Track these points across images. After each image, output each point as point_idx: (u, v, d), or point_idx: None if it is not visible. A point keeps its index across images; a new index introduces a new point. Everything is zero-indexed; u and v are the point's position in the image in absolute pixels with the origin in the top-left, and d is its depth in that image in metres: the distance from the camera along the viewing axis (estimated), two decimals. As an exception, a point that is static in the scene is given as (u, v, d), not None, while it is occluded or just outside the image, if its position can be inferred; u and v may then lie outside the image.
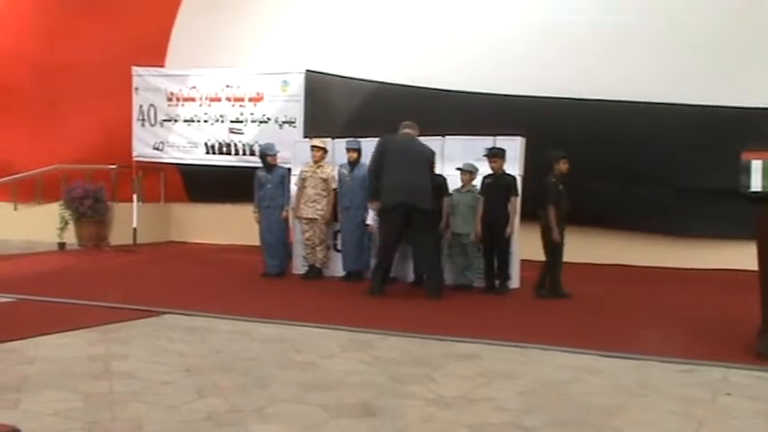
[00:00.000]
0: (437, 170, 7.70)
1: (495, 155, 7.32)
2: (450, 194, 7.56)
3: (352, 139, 8.27)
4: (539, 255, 7.13)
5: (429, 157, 7.30)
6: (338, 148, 8.45)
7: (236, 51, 11.36)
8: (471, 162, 7.52)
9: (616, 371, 4.38)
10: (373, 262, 7.81)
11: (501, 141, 7.59)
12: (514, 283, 7.55)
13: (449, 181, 7.63)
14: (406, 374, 4.18)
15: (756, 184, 4.64)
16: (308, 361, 4.45)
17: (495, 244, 7.34)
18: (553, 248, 6.97)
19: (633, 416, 3.55)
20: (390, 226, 7.19)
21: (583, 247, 8.23)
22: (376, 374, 4.17)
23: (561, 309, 6.66)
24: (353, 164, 8.16)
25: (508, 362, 4.54)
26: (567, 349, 4.85)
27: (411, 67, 10.22)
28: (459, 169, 7.48)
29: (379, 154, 7.24)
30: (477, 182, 7.51)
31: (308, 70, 10.38)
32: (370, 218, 7.95)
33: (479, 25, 10.24)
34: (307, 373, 4.18)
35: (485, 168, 7.47)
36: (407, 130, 7.45)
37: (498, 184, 7.29)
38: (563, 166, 7.00)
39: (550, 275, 7.05)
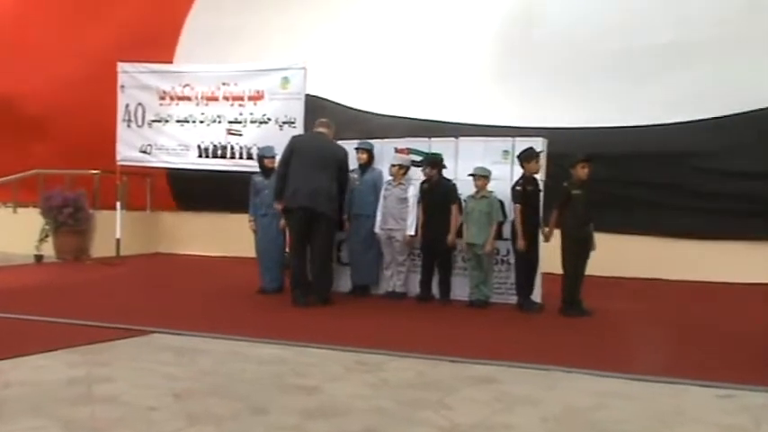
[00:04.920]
0: (448, 174, 7.77)
1: (531, 156, 7.31)
2: (459, 200, 7.61)
3: (362, 140, 8.33)
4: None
5: (339, 158, 7.65)
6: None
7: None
8: (483, 166, 7.55)
9: (648, 396, 4.38)
10: (384, 274, 8.12)
11: (521, 142, 7.60)
12: (537, 298, 7.56)
13: (465, 186, 7.69)
14: (416, 399, 4.19)
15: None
16: (309, 385, 4.46)
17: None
18: (567, 256, 7.05)
19: (667, 445, 3.55)
20: (293, 228, 7.67)
21: (609, 259, 8.25)
22: (384, 399, 4.18)
23: (586, 327, 6.66)
24: (364, 167, 8.21)
25: (528, 385, 4.54)
26: (594, 372, 4.84)
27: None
28: (471, 175, 7.51)
29: (288, 154, 7.63)
30: (492, 187, 7.56)
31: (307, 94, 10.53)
32: (378, 225, 8.00)
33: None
34: (308, 397, 4.19)
35: (497, 172, 7.55)
36: (321, 129, 7.84)
37: (538, 190, 7.32)
38: (581, 171, 7.06)
39: (563, 287, 7.13)
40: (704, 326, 6.87)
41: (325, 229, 7.57)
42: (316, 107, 10.45)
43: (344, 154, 7.76)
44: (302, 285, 7.56)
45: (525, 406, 4.12)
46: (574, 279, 7.09)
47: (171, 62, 12.49)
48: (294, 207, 7.51)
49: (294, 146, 7.71)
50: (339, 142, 7.99)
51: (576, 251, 7.05)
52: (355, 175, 8.25)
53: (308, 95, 10.25)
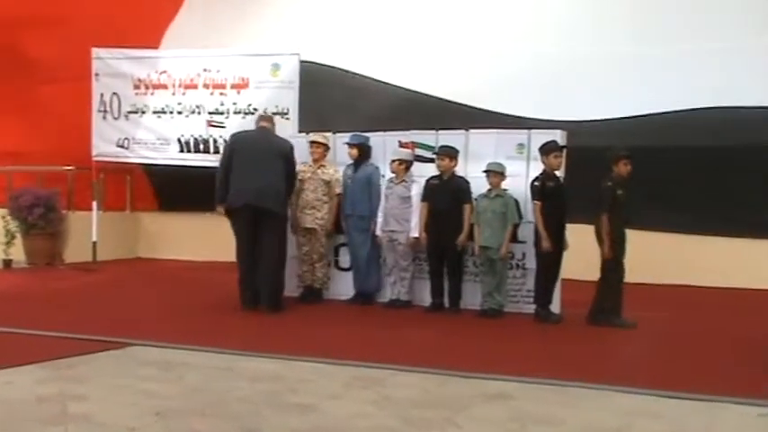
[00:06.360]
0: (460, 171, 7.76)
1: (550, 149, 7.27)
2: (472, 199, 7.60)
3: (354, 133, 8.33)
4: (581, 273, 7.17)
5: (283, 152, 7.77)
6: (340, 145, 8.51)
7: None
8: (499, 161, 7.54)
9: (679, 415, 4.36)
10: (386, 281, 8.18)
11: (537, 135, 7.60)
12: (556, 307, 7.55)
13: (475, 183, 7.69)
14: (422, 418, 4.18)
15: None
16: (305, 402, 4.45)
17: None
18: (609, 264, 6.97)
19: (701, 469, 3.54)
20: (238, 229, 7.76)
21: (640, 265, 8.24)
22: (387, 418, 4.18)
23: (612, 339, 6.65)
24: (356, 162, 8.20)
25: (546, 403, 4.54)
26: (618, 388, 4.83)
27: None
28: (486, 172, 7.48)
29: (228, 153, 7.79)
30: (506, 184, 7.56)
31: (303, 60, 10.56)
32: (379, 227, 7.99)
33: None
34: (304, 416, 4.19)
35: (511, 168, 7.56)
36: (263, 124, 8.04)
37: (563, 188, 7.30)
38: (623, 167, 7.01)
39: (600, 297, 7.05)
40: (744, 337, 6.85)
41: (273, 228, 7.64)
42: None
43: (290, 147, 7.87)
44: (252, 289, 7.65)
45: (543, 426, 4.11)
46: (617, 286, 7.01)
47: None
48: (239, 206, 7.57)
49: (234, 145, 7.86)
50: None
51: (620, 256, 6.99)
52: (349, 172, 8.25)
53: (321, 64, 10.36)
